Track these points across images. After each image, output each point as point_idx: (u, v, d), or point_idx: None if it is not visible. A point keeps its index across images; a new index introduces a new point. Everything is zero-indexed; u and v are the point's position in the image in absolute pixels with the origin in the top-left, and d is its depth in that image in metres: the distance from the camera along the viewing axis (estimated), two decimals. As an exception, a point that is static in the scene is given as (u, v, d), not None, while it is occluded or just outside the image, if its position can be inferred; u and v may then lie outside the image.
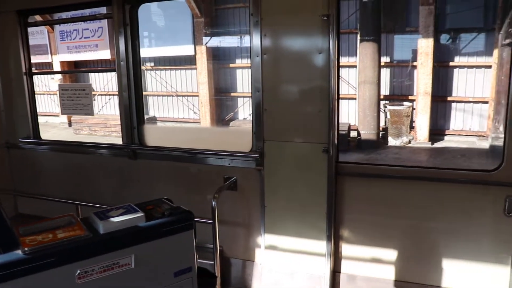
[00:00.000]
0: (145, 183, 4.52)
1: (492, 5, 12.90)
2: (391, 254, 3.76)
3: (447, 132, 14.24)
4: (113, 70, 4.56)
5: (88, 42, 17.13)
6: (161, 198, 2.43)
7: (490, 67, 13.14)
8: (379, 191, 3.71)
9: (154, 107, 18.07)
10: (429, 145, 13.47)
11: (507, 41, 10.95)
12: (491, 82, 13.06)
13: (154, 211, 2.26)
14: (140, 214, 2.15)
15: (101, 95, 18.64)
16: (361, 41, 12.49)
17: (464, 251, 3.52)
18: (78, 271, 1.93)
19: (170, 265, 2.24)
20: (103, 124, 16.78)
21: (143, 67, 17.36)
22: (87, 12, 5.73)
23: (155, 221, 2.18)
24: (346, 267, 3.93)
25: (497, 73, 12.04)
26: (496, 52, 12.42)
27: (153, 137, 4.60)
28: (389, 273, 3.80)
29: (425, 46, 13.15)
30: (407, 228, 3.68)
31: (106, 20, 14.15)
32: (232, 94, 16.67)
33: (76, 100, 4.81)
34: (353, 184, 3.73)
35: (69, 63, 18.26)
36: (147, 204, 2.33)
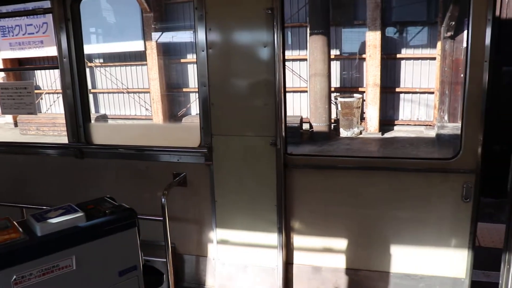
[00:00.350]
0: (94, 183, 4.41)
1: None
2: (343, 244, 3.84)
3: (396, 122, 14.69)
4: (56, 68, 4.40)
5: (32, 38, 16.45)
6: (103, 197, 2.38)
7: (434, 58, 13.63)
8: (329, 182, 3.76)
9: (105, 105, 17.63)
10: (379, 135, 13.86)
11: (449, 34, 11.38)
12: (436, 73, 13.56)
13: (95, 210, 2.20)
14: (80, 214, 2.09)
15: (48, 93, 18.00)
16: (311, 34, 12.64)
17: (423, 237, 3.62)
18: (14, 277, 1.86)
19: (114, 265, 2.19)
20: (52, 123, 16.21)
21: (91, 64, 16.89)
22: (30, 6, 5.48)
23: (95, 221, 2.12)
24: (298, 258, 3.98)
25: (441, 65, 12.51)
26: (439, 44, 12.88)
27: (100, 135, 4.48)
28: (341, 262, 3.88)
29: (373, 38, 13.48)
30: (360, 217, 3.76)
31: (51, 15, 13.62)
32: (184, 89, 16.51)
33: (18, 99, 4.61)
34: (302, 176, 3.78)
35: (13, 60, 17.47)
36: (88, 203, 2.27)
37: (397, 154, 11.59)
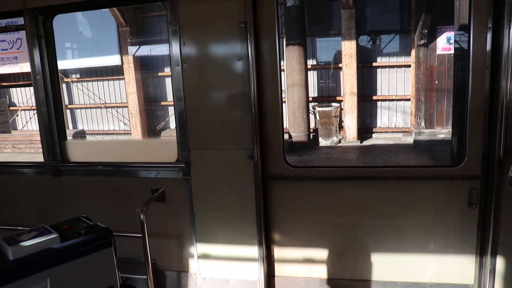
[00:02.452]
0: (71, 201, 4.33)
1: (406, 8, 13.64)
2: (324, 254, 3.84)
3: (374, 129, 14.84)
4: (30, 85, 4.34)
5: (6, 54, 16.17)
6: (78, 217, 2.34)
7: (409, 66, 13.86)
8: (308, 193, 3.77)
9: (82, 120, 17.42)
10: (358, 143, 13.95)
11: (422, 41, 11.61)
12: (411, 81, 13.78)
13: (70, 231, 2.16)
14: (54, 235, 2.06)
15: (24, 110, 17.70)
16: (287, 45, 12.72)
17: (430, 244, 3.64)
18: (-14, 302, 1.82)
19: (91, 285, 2.16)
20: (28, 140, 15.91)
21: (68, 79, 16.70)
22: (2, 23, 5.39)
23: (70, 241, 2.09)
24: (280, 270, 3.97)
25: (416, 72, 12.73)
26: (413, 52, 13.12)
27: (76, 152, 4.43)
28: (322, 272, 3.88)
29: (348, 48, 13.62)
30: (341, 227, 3.78)
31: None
32: (162, 103, 16.41)
33: (-10, 118, 4.53)
34: (280, 188, 3.78)
35: (-15, 77, 17.15)
36: (62, 224, 2.24)
37: (376, 163, 11.70)
